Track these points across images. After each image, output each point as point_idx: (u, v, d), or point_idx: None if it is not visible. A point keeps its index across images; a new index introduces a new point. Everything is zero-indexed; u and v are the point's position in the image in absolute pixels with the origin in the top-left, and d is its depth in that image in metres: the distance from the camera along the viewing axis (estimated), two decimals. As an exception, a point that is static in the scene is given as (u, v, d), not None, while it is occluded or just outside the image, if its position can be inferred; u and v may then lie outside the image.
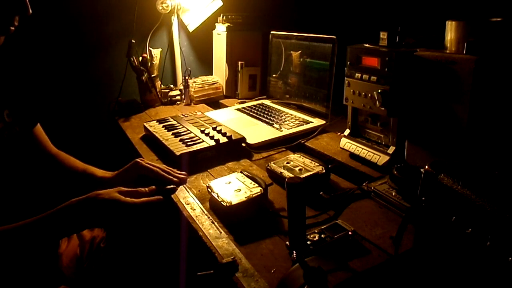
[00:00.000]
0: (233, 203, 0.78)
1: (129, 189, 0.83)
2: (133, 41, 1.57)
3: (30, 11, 0.77)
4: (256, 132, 1.24)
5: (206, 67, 1.95)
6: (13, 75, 1.02)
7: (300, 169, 0.91)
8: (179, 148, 1.09)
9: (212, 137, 1.13)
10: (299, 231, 0.65)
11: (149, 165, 1.00)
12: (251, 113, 1.44)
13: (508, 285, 0.47)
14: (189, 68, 1.73)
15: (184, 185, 0.95)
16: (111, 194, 0.80)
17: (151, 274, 1.06)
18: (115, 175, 1.03)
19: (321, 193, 0.85)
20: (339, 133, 1.21)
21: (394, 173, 0.84)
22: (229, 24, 1.69)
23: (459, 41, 0.83)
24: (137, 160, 1.02)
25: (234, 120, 1.39)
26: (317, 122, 1.30)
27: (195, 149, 1.08)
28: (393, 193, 0.82)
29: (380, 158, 0.98)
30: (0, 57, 0.95)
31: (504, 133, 0.81)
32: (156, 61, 1.69)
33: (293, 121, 1.31)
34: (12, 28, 0.78)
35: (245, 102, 1.62)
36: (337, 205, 0.83)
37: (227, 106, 1.62)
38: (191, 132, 1.20)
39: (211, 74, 1.84)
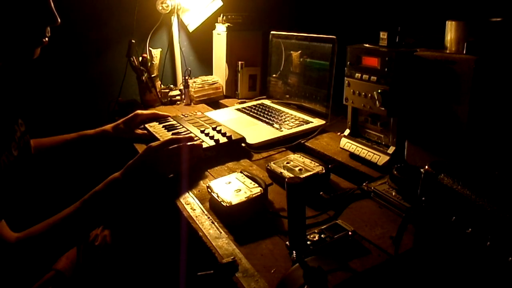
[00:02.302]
0: (233, 203, 0.78)
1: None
2: (133, 41, 1.57)
3: (59, 21, 0.79)
4: (256, 132, 1.24)
5: (206, 67, 1.95)
6: (23, 82, 1.04)
7: (300, 169, 0.91)
8: (179, 148, 1.08)
9: (212, 137, 1.13)
10: (299, 231, 0.65)
11: (148, 111, 1.31)
12: (251, 113, 1.44)
13: (508, 285, 0.47)
14: (189, 68, 1.73)
15: (184, 185, 0.95)
16: (158, 143, 0.93)
17: (151, 274, 1.06)
18: (115, 125, 1.24)
19: (321, 193, 0.85)
20: (339, 133, 1.21)
21: (394, 173, 0.84)
22: (229, 24, 1.69)
23: (459, 41, 0.83)
24: (137, 111, 1.28)
25: (234, 120, 1.39)
26: (317, 122, 1.30)
27: (195, 149, 1.07)
28: (393, 193, 0.82)
29: (380, 158, 0.98)
30: (17, 68, 0.98)
31: (504, 133, 0.81)
32: (156, 61, 1.69)
33: (293, 121, 1.31)
34: (46, 39, 0.80)
35: (245, 102, 1.62)
36: (337, 205, 0.83)
37: (227, 106, 1.62)
38: (191, 132, 1.20)
39: (211, 74, 1.84)
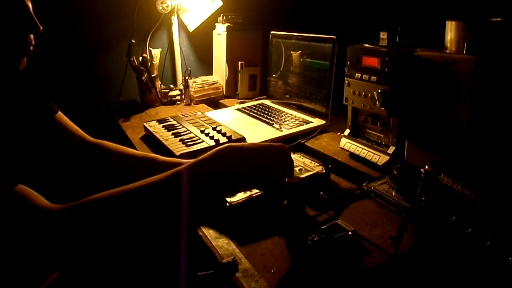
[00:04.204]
0: (233, 203, 0.78)
1: None
2: (133, 41, 1.57)
3: (41, 28, 0.76)
4: (256, 132, 1.24)
5: (206, 67, 1.95)
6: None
7: (300, 169, 0.91)
8: (179, 148, 1.09)
9: (212, 137, 1.13)
10: (299, 231, 0.65)
11: None
12: (251, 113, 1.44)
13: (508, 285, 0.47)
14: (189, 68, 1.73)
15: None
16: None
17: (152, 274, 1.06)
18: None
19: (321, 193, 0.85)
20: (339, 133, 1.21)
21: (394, 173, 0.84)
22: (229, 24, 1.69)
23: (459, 41, 0.83)
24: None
25: (234, 120, 1.39)
26: (317, 122, 1.30)
27: (195, 149, 1.08)
28: (393, 193, 0.82)
29: (380, 158, 0.98)
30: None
31: (504, 133, 0.81)
32: (156, 61, 1.69)
33: (293, 121, 1.31)
34: (31, 48, 0.76)
35: (245, 102, 1.62)
36: (337, 205, 0.83)
37: (227, 106, 1.62)
38: (191, 132, 1.20)
39: (211, 74, 1.84)
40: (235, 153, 0.71)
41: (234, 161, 0.70)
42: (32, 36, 0.75)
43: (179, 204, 0.66)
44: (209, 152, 0.70)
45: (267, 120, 1.34)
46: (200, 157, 0.69)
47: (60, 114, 0.98)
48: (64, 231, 0.61)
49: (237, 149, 0.71)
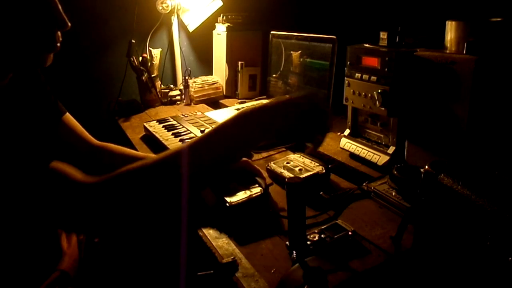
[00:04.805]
0: (233, 203, 0.78)
1: None
2: (133, 41, 1.57)
3: (69, 24, 0.76)
4: (256, 132, 1.24)
5: (206, 67, 1.95)
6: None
7: (300, 169, 0.91)
8: (179, 148, 1.09)
9: (212, 137, 1.13)
10: (299, 231, 0.65)
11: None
12: (251, 113, 1.44)
13: (508, 285, 0.47)
14: (189, 68, 1.73)
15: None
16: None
17: (152, 273, 1.06)
18: None
19: (321, 193, 0.85)
20: (339, 133, 1.21)
21: (394, 173, 0.84)
22: (229, 24, 1.69)
23: (459, 41, 0.83)
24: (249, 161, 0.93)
25: (234, 120, 1.39)
26: (317, 122, 1.30)
27: (195, 149, 1.07)
28: (393, 193, 0.82)
29: (380, 158, 0.98)
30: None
31: (504, 133, 0.81)
32: (156, 61, 1.69)
33: (293, 121, 1.31)
34: (58, 44, 0.76)
35: (245, 102, 1.62)
36: (337, 205, 0.83)
37: (227, 106, 1.62)
38: (191, 132, 1.20)
39: (211, 74, 1.84)
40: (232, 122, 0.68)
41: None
42: (59, 32, 0.76)
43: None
44: (205, 132, 0.68)
45: (267, 120, 1.34)
46: (198, 136, 0.67)
47: (67, 115, 0.99)
48: (100, 202, 0.62)
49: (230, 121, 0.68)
